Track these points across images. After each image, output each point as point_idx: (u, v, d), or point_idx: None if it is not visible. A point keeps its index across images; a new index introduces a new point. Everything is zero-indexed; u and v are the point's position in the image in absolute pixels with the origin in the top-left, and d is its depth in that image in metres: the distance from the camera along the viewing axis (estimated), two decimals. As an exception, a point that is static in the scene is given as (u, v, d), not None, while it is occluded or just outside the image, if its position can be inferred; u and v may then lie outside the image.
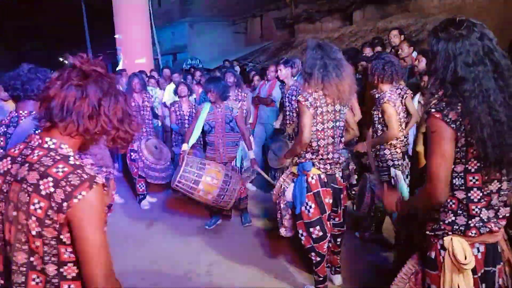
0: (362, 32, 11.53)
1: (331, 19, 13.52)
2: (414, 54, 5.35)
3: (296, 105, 3.04)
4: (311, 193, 2.99)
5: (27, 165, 1.27)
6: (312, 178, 2.99)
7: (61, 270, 1.27)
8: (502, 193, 1.70)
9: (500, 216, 1.73)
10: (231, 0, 18.58)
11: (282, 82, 5.29)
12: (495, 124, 1.55)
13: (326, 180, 3.01)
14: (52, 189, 1.21)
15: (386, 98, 3.49)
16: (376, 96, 3.70)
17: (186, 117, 5.75)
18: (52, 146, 1.29)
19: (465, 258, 1.67)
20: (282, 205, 3.22)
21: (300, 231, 3.10)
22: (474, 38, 1.57)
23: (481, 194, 1.67)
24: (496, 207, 1.70)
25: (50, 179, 1.22)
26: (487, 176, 1.64)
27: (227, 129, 4.41)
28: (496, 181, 1.67)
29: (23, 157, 1.30)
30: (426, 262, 1.84)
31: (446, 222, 1.72)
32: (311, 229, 3.02)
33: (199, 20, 18.61)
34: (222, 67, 9.37)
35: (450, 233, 1.73)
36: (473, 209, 1.67)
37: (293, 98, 4.94)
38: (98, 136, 1.36)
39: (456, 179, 1.67)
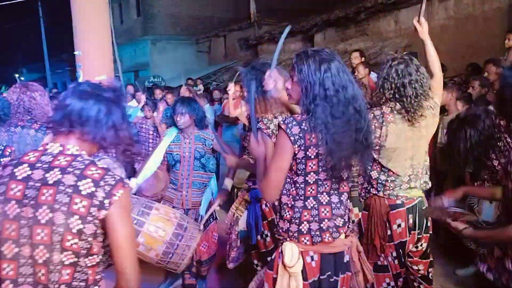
0: (323, 54, 11.80)
1: (294, 40, 13.80)
2: (373, 75, 5.52)
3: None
4: (267, 221, 2.83)
5: (57, 169, 1.36)
6: (266, 205, 2.83)
7: (86, 260, 1.39)
8: (334, 205, 1.89)
9: (339, 226, 1.90)
10: (194, 19, 18.65)
11: None
12: None
13: None
14: (93, 189, 1.35)
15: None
16: None
17: (151, 139, 5.64)
18: (76, 152, 1.43)
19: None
20: (233, 236, 3.03)
21: (255, 262, 2.94)
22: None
23: (315, 204, 1.86)
24: (333, 219, 1.88)
25: (89, 180, 1.36)
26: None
27: (196, 166, 3.36)
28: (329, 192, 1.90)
29: (44, 163, 1.39)
30: (269, 262, 2.06)
31: (284, 229, 1.91)
32: (268, 259, 2.89)
33: (162, 38, 18.52)
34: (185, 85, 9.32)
35: (288, 239, 1.89)
36: (305, 216, 1.86)
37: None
38: (110, 147, 1.52)
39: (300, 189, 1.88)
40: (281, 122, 1.84)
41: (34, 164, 1.39)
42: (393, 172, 2.46)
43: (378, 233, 2.50)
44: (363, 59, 5.80)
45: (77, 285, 1.38)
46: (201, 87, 11.05)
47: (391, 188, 2.48)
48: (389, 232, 2.51)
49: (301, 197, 1.86)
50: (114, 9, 18.89)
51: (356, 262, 1.95)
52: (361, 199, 2.73)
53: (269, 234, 2.84)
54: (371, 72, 5.61)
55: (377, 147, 2.46)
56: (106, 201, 1.35)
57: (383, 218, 2.49)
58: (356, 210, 3.61)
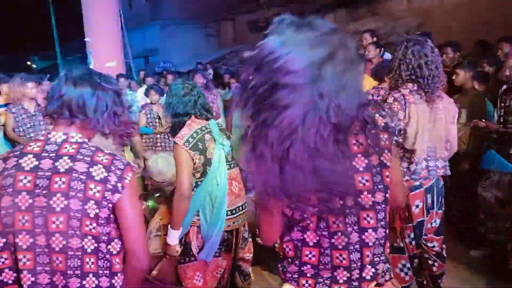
0: (333, 35, 11.64)
1: (303, 22, 13.63)
2: (387, 55, 5.44)
3: None
4: None
5: (66, 157, 1.38)
6: None
7: (109, 247, 1.42)
8: (353, 249, 1.32)
9: (366, 279, 1.34)
10: (202, 3, 18.48)
11: None
12: None
13: None
14: (105, 174, 1.38)
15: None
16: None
17: (157, 121, 5.68)
18: (80, 140, 1.44)
19: None
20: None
21: None
22: None
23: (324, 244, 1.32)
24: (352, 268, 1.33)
25: (100, 165, 1.39)
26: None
27: None
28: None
29: (51, 152, 1.39)
30: None
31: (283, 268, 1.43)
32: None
33: (171, 22, 18.42)
34: (195, 69, 9.31)
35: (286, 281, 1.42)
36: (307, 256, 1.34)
37: None
38: (111, 132, 1.52)
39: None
40: None
41: (40, 154, 1.39)
42: (414, 156, 2.46)
43: (399, 216, 2.51)
44: (374, 39, 5.74)
45: (102, 273, 1.41)
46: (211, 71, 11.02)
47: (411, 172, 2.48)
48: (406, 214, 2.52)
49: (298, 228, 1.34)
50: (123, -6, 18.81)
51: None
52: None
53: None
54: (385, 53, 5.54)
55: (401, 131, 2.45)
56: (119, 185, 1.40)
57: (404, 202, 2.50)
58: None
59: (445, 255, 2.75)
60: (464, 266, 3.52)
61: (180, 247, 2.55)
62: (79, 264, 1.36)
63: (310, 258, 1.33)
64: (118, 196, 1.40)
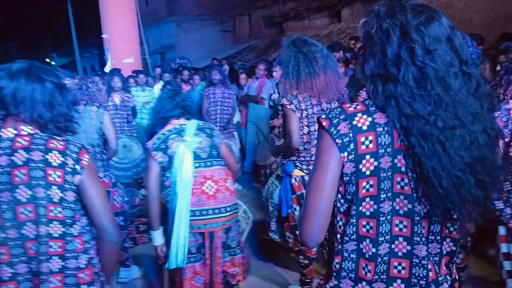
0: (350, 29, 11.55)
1: (319, 16, 13.54)
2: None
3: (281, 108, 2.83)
4: (295, 195, 2.90)
5: (21, 150, 1.42)
6: (295, 179, 2.89)
7: (71, 229, 1.46)
8: (419, 259, 1.18)
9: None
10: (218, -1, 18.51)
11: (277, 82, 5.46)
12: None
13: None
14: (62, 159, 1.43)
15: None
16: None
17: None
18: (31, 132, 1.46)
19: None
20: (270, 208, 3.16)
21: (287, 234, 3.04)
22: None
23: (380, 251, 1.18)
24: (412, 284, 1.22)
25: (55, 151, 1.43)
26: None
27: None
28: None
29: (6, 148, 1.42)
30: None
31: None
32: (297, 232, 2.94)
33: (187, 18, 18.49)
34: (211, 65, 9.32)
35: None
36: (364, 269, 1.20)
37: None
38: (49, 124, 1.52)
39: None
40: (322, 116, 1.21)
41: None
42: None
43: None
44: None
45: (69, 256, 1.46)
46: (226, 67, 11.03)
47: None
48: None
49: (351, 237, 1.20)
50: (139, -9, 18.93)
51: None
52: None
53: (297, 208, 2.90)
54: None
55: None
56: (77, 167, 1.46)
57: None
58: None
59: (469, 249, 2.71)
60: (484, 263, 3.47)
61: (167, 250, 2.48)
62: (46, 250, 1.42)
63: (365, 273, 1.19)
64: (79, 177, 1.46)
